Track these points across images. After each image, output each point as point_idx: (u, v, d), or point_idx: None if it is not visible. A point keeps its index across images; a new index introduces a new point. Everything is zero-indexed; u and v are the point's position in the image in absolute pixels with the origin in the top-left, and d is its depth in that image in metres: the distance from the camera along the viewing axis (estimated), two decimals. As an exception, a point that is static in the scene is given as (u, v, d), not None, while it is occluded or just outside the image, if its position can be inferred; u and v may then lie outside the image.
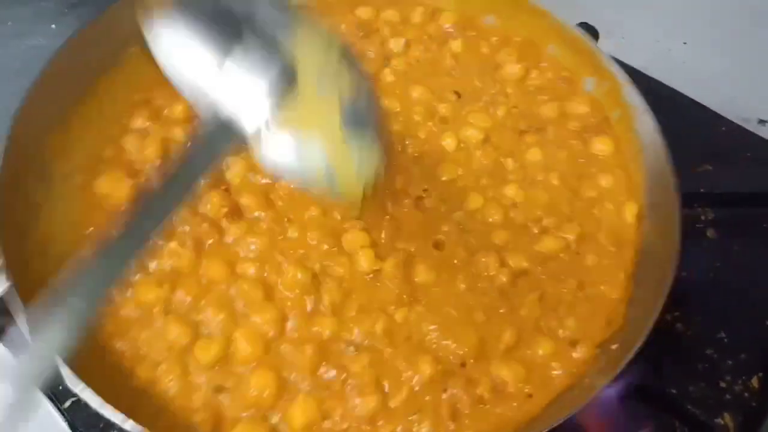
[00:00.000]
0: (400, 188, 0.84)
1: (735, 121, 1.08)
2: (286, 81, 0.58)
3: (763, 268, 0.93)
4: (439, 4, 1.07)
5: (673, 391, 0.82)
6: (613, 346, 0.73)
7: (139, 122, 0.90)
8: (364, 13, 1.06)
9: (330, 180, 0.61)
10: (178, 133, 0.88)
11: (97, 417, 0.76)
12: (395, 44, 1.02)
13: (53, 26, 1.29)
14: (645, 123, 0.87)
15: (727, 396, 0.82)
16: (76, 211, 0.82)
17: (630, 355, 0.67)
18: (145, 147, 0.87)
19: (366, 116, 0.63)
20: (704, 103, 1.09)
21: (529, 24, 1.01)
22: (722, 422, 0.80)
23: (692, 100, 1.08)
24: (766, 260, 0.94)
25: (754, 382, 0.84)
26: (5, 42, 1.25)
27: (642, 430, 0.80)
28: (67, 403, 0.80)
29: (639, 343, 0.68)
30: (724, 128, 1.08)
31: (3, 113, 1.13)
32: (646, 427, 0.80)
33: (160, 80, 0.90)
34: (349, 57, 0.64)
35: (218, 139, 0.58)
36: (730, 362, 0.85)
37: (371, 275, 0.77)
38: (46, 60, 0.85)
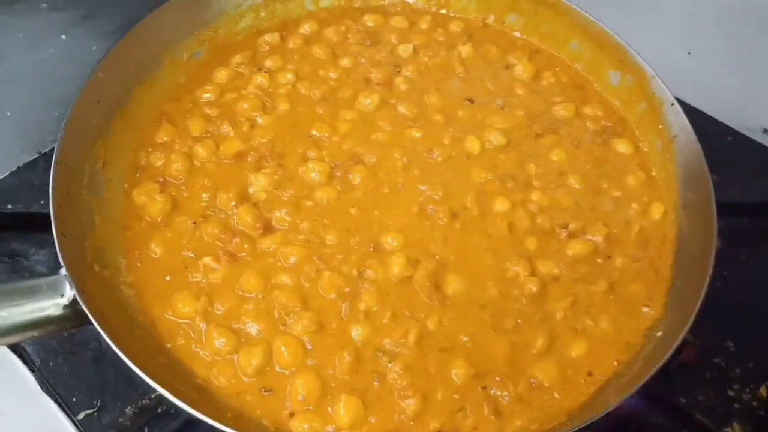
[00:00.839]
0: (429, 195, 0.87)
1: (740, 130, 1.12)
2: None
3: None
4: (461, 4, 1.09)
5: (682, 400, 0.84)
6: (658, 334, 0.76)
7: (164, 135, 0.92)
8: (371, 20, 1.08)
9: None
10: (200, 152, 0.89)
11: (111, 429, 0.80)
12: (404, 50, 1.04)
13: (64, 37, 1.29)
14: (674, 113, 0.90)
15: (736, 405, 0.84)
16: (122, 218, 0.84)
17: (679, 338, 0.69)
18: (171, 162, 0.88)
19: None
20: (709, 113, 1.12)
21: (552, 21, 1.04)
22: (731, 431, 0.82)
23: (697, 110, 1.09)
24: (773, 269, 0.96)
25: (763, 391, 0.85)
26: (17, 52, 1.25)
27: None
28: (81, 416, 0.81)
29: (687, 325, 0.70)
30: (729, 138, 1.11)
31: (17, 121, 1.15)
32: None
33: (180, 91, 0.98)
34: None
35: None
36: (738, 371, 0.86)
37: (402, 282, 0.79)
38: (92, 69, 0.87)
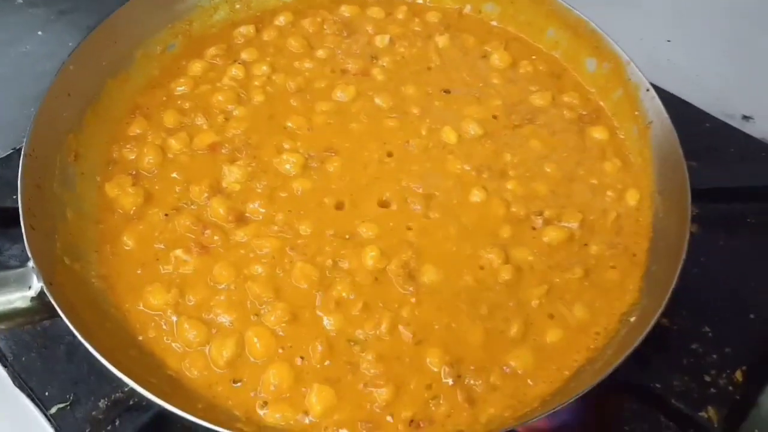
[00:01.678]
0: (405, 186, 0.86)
1: (719, 117, 1.11)
2: None
3: (747, 262, 0.95)
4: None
5: (658, 385, 0.83)
6: (632, 319, 0.75)
7: (137, 128, 0.91)
8: (347, 10, 1.08)
9: None
10: (173, 144, 0.89)
11: (84, 422, 0.79)
12: (380, 41, 1.03)
13: (40, 33, 1.29)
14: (650, 99, 0.90)
15: (712, 390, 0.83)
16: (95, 211, 0.84)
17: (651, 323, 0.69)
18: (144, 155, 0.88)
19: None
20: (689, 100, 1.11)
21: (529, 9, 1.04)
22: (706, 416, 0.81)
23: (676, 96, 1.10)
24: (750, 255, 0.96)
25: (738, 375, 0.85)
26: (-6, 50, 1.24)
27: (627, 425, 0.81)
28: (53, 410, 0.80)
29: (660, 309, 0.70)
30: (708, 125, 1.10)
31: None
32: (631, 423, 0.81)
33: (153, 84, 0.97)
34: None
35: None
36: (714, 356, 0.86)
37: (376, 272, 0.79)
38: (62, 62, 0.87)
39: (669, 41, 1.27)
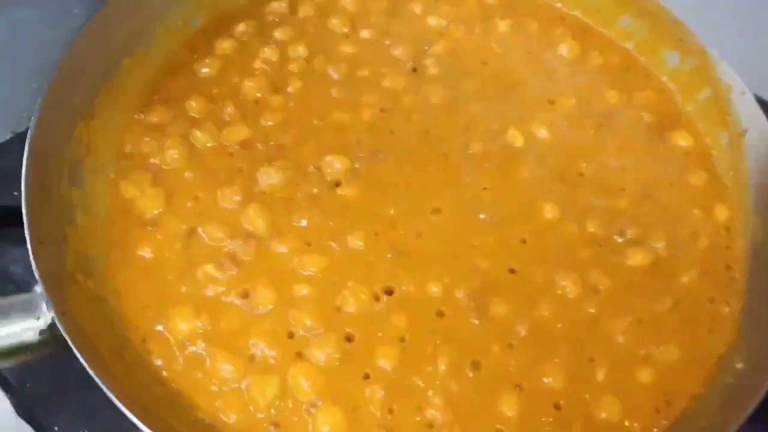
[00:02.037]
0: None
1: None
2: None
3: None
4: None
5: None
6: (738, 365, 0.66)
7: (155, 116, 0.79)
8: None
9: None
10: (200, 136, 0.77)
11: None
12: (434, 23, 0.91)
13: (76, 11, 1.14)
14: (745, 103, 0.79)
15: None
16: (108, 214, 0.72)
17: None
18: (166, 149, 0.76)
19: None
20: None
21: None
22: None
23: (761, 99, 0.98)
24: None
25: None
26: (-15, 16, 1.11)
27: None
28: None
29: None
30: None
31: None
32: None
33: (174, 65, 0.85)
34: None
35: None
36: None
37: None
38: (73, 39, 0.74)
39: (739, 34, 1.14)
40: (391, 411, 0.62)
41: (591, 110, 0.84)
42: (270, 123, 0.79)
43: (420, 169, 0.77)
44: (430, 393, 0.63)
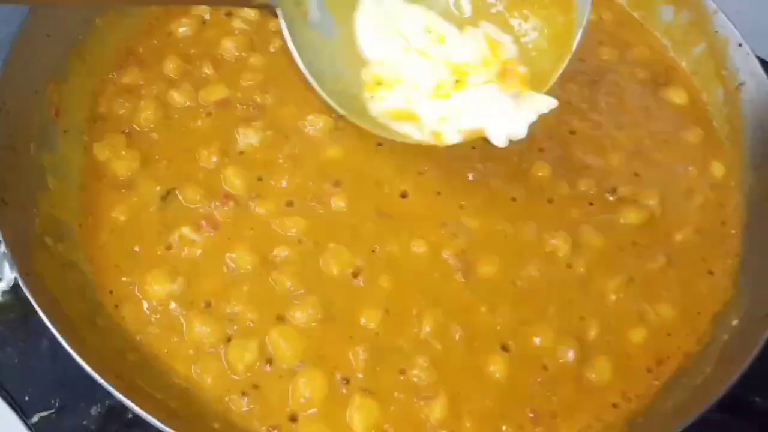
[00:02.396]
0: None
1: None
2: None
3: None
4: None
5: (757, 399, 0.71)
6: (734, 322, 0.64)
7: (129, 77, 0.76)
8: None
9: None
10: (175, 97, 0.74)
11: None
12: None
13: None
14: (742, 55, 0.76)
15: None
16: (81, 178, 0.69)
17: (763, 336, 0.57)
18: (140, 110, 0.73)
19: None
20: None
21: None
22: None
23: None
24: None
25: None
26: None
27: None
28: (35, 418, 0.68)
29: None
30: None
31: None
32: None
33: (150, 25, 0.81)
34: None
35: None
36: None
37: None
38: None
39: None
40: (374, 372, 0.60)
41: (584, 67, 0.81)
42: (250, 83, 0.76)
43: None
44: (415, 354, 0.61)
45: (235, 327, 0.61)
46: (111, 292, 0.63)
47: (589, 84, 0.80)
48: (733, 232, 0.72)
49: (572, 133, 0.76)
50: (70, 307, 0.59)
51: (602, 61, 0.83)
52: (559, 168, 0.73)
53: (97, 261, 0.65)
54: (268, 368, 0.60)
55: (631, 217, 0.70)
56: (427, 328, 0.62)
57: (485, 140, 0.68)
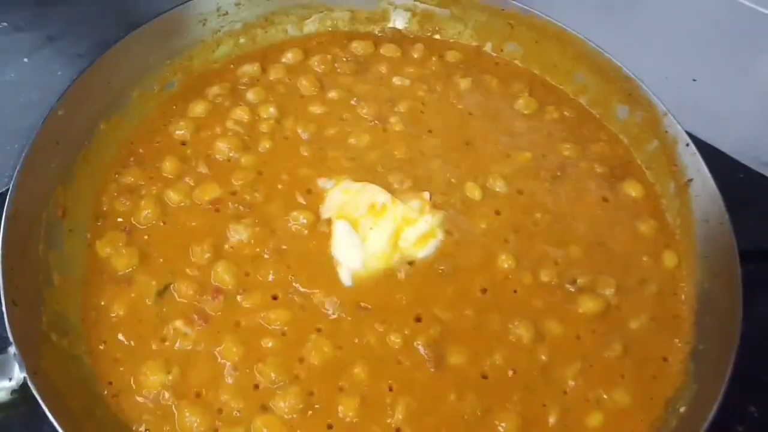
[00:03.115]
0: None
1: (751, 166, 1.04)
2: None
3: None
4: (459, 32, 1.02)
5: None
6: (681, 409, 0.69)
7: (130, 177, 0.83)
8: (360, 47, 0.99)
9: None
10: (172, 196, 0.81)
11: None
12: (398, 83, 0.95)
13: (26, 60, 1.19)
14: (689, 154, 0.83)
15: None
16: (84, 274, 0.75)
17: (707, 419, 0.62)
18: (141, 209, 0.79)
19: None
20: (717, 146, 1.03)
21: (556, 51, 0.96)
22: None
23: (706, 143, 0.99)
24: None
25: None
26: (-26, 77, 1.15)
27: None
28: None
29: (716, 403, 0.63)
30: (741, 175, 1.03)
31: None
32: None
33: (150, 127, 0.88)
34: None
35: None
36: None
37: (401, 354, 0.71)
38: (47, 111, 0.78)
39: (695, 80, 1.20)
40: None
41: (546, 163, 0.89)
42: (240, 182, 0.83)
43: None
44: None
45: (223, 416, 0.66)
46: (110, 383, 0.69)
47: (551, 179, 0.87)
48: (685, 322, 0.77)
49: (535, 225, 0.83)
50: (72, 399, 0.64)
51: (564, 157, 0.90)
52: (524, 259, 0.79)
53: (97, 354, 0.70)
54: (254, 456, 0.65)
55: (589, 306, 0.76)
56: (400, 416, 0.67)
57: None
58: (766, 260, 0.92)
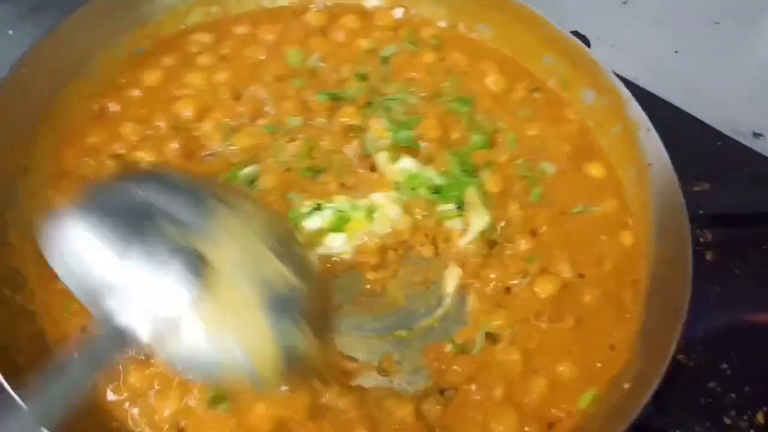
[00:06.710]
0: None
1: (730, 135, 1.04)
2: (195, 273, 0.55)
3: (764, 291, 0.88)
4: (431, 12, 1.02)
5: (677, 431, 0.77)
6: (626, 385, 0.69)
7: (94, 138, 0.84)
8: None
9: (249, 371, 0.56)
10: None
11: None
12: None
13: (11, 32, 1.20)
14: (649, 140, 0.83)
15: None
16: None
17: (646, 397, 0.63)
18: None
19: (293, 299, 0.60)
20: (697, 115, 1.05)
21: (525, 33, 0.96)
22: None
23: (685, 112, 1.03)
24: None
25: (760, 417, 0.79)
26: (-43, 50, 1.16)
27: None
28: None
29: (655, 383, 0.64)
30: (719, 143, 1.03)
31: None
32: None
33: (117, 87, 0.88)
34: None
35: (109, 346, 0.54)
36: (733, 396, 0.80)
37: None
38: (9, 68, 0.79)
39: (677, 52, 1.20)
40: None
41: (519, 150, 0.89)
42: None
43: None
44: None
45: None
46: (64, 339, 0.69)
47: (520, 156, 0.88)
48: (636, 300, 0.77)
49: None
50: (18, 355, 0.64)
51: (531, 136, 0.90)
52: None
53: (51, 309, 0.71)
54: None
55: (547, 289, 0.77)
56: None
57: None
58: (742, 224, 0.94)
